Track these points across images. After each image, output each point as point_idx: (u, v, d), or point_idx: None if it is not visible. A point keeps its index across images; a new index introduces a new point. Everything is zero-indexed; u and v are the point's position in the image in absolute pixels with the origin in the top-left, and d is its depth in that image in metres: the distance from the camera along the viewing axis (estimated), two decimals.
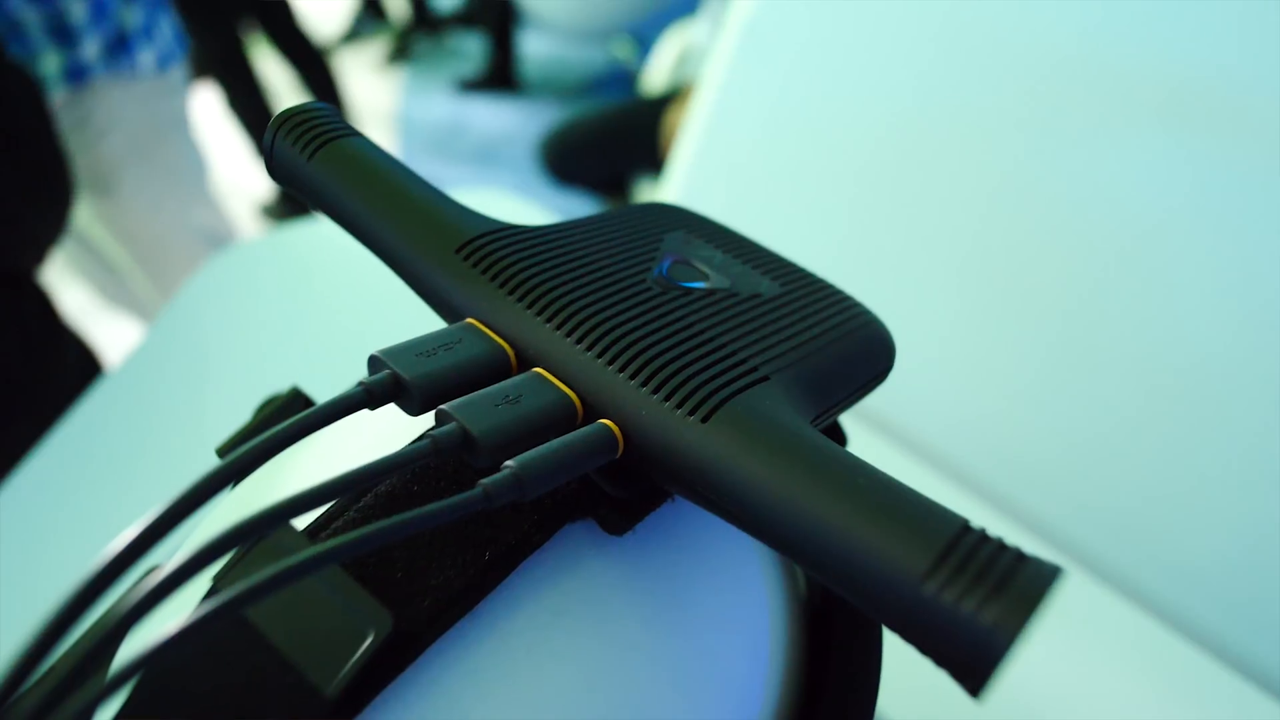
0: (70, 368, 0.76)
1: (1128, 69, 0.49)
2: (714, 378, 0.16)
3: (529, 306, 0.18)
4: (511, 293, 0.18)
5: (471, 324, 0.18)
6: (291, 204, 1.98)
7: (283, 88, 2.14)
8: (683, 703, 0.17)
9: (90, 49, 0.85)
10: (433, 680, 0.16)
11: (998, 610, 0.12)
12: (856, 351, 0.20)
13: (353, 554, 0.13)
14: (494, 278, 0.18)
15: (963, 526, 0.13)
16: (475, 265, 0.19)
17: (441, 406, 0.16)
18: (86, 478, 0.57)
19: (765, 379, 0.17)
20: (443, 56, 2.93)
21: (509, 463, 0.15)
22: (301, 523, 0.17)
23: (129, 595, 0.12)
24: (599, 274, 0.19)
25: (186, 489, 0.13)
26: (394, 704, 0.16)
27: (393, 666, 0.16)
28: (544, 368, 0.17)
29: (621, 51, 2.64)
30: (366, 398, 0.16)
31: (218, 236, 1.01)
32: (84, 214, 0.90)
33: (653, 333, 0.17)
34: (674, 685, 0.17)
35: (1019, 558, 0.13)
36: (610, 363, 0.17)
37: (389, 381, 0.16)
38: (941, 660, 0.13)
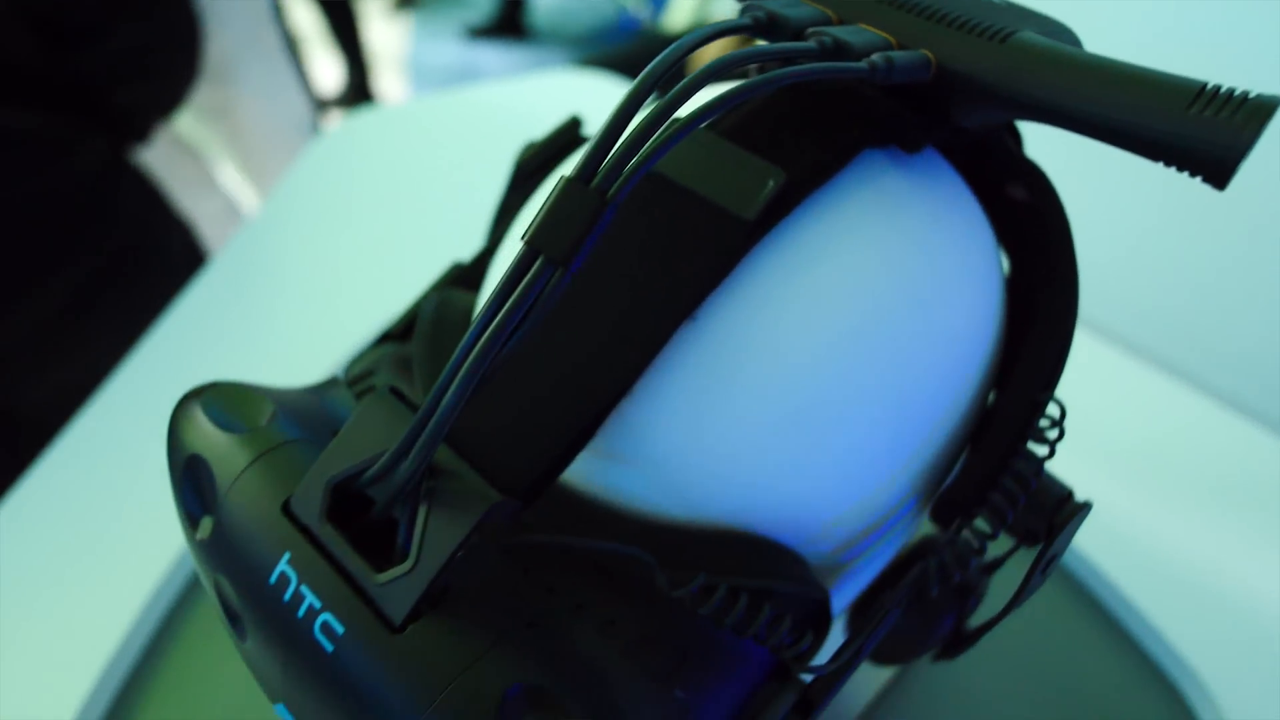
0: (176, 251, 0.78)
1: None
2: (995, 23, 0.20)
3: None
4: None
5: None
6: None
7: (311, 33, 2.17)
8: (956, 297, 0.22)
9: None
10: (798, 234, 0.21)
11: (1242, 116, 0.17)
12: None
13: (765, 91, 0.18)
14: None
15: (1204, 83, 0.18)
16: None
17: (811, 29, 0.20)
18: (197, 360, 0.58)
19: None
20: (450, 3, 2.93)
21: (874, 55, 0.19)
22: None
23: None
24: None
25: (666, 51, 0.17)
26: (764, 254, 0.20)
27: (776, 216, 0.20)
28: (864, 23, 0.21)
29: (630, 0, 2.66)
30: (753, 24, 0.20)
31: (306, 127, 1.02)
32: (192, 110, 0.90)
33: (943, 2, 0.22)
34: (952, 276, 0.22)
35: (1246, 94, 0.17)
36: (918, 15, 0.21)
37: (767, 19, 0.20)
38: (1199, 167, 0.17)
